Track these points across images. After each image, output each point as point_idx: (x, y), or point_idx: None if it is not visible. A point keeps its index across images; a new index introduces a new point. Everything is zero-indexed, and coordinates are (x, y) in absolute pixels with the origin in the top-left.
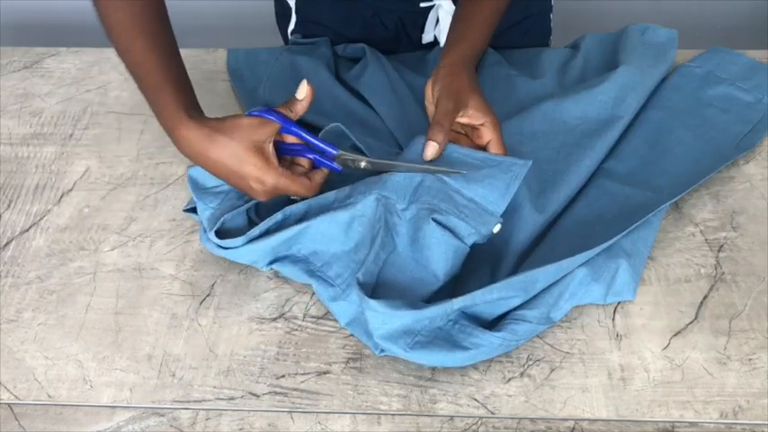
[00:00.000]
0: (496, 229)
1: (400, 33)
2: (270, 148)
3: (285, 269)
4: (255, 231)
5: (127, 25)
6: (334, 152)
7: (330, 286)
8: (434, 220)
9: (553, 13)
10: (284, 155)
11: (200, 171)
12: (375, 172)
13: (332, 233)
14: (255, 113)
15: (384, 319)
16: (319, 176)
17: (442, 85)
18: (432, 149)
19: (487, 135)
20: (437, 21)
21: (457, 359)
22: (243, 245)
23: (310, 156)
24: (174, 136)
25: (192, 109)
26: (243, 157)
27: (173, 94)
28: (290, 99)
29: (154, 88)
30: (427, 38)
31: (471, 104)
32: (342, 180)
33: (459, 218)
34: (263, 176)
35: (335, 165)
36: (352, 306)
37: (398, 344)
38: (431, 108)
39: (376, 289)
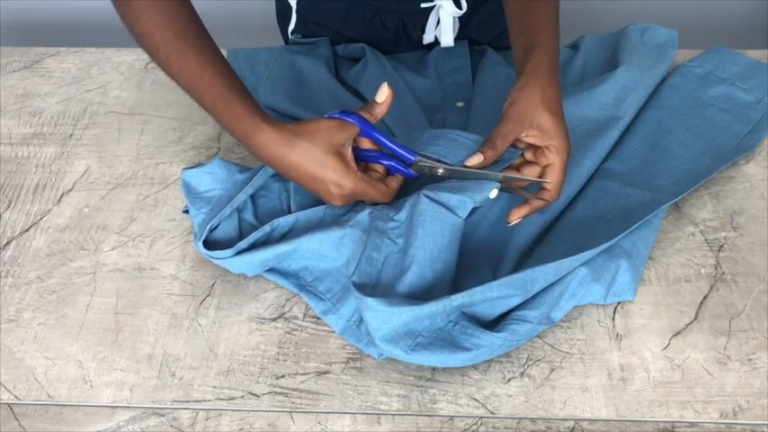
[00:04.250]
0: (493, 194)
1: (401, 34)
2: (349, 151)
3: (276, 279)
4: (243, 244)
5: (175, 43)
6: (413, 158)
7: (321, 300)
8: (426, 196)
9: None
10: (359, 161)
11: (194, 175)
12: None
13: (323, 250)
14: (335, 116)
15: (384, 317)
16: (395, 183)
17: (510, 100)
18: (474, 160)
19: (549, 158)
20: (438, 21)
21: (458, 360)
22: (231, 257)
23: (386, 162)
24: (253, 143)
25: (264, 114)
26: (323, 160)
27: (241, 102)
28: (370, 102)
29: (219, 100)
30: (428, 38)
31: (536, 124)
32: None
33: (451, 192)
34: (342, 180)
35: (412, 171)
36: (342, 320)
37: (399, 346)
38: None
39: (376, 291)
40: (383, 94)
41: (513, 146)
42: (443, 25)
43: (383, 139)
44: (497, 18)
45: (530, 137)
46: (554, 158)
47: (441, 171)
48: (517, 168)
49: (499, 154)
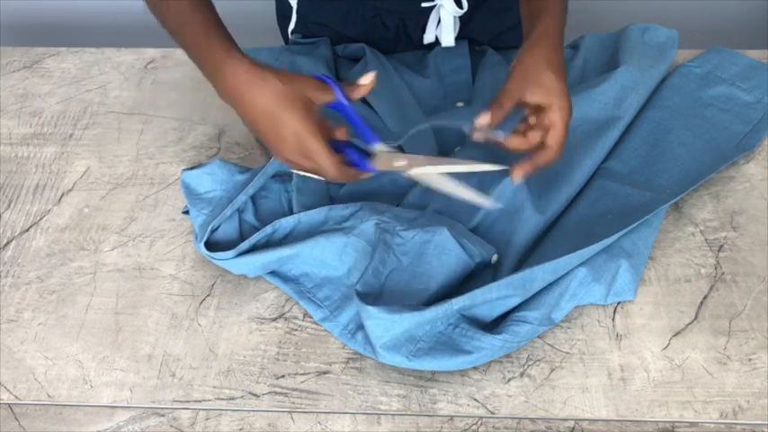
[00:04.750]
0: (494, 258)
1: (401, 34)
2: (317, 110)
3: (276, 283)
4: (245, 245)
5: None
6: (374, 140)
7: (319, 308)
8: (450, 232)
9: None
10: None
11: (193, 176)
12: (412, 181)
13: (325, 257)
14: (317, 76)
15: (386, 325)
16: (353, 171)
17: (516, 61)
18: (483, 119)
19: (551, 117)
20: (438, 21)
21: (459, 363)
22: (233, 257)
23: (352, 155)
24: (225, 72)
25: (242, 51)
26: (290, 104)
27: (222, 37)
28: (353, 82)
29: (202, 35)
30: (428, 38)
31: (539, 82)
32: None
33: (467, 239)
34: (301, 131)
35: (373, 166)
36: (338, 328)
37: (401, 352)
38: None
39: (378, 302)
40: (368, 78)
41: (519, 108)
42: (444, 25)
43: (352, 114)
44: (498, 17)
45: (534, 94)
46: (555, 118)
47: (402, 162)
48: (523, 134)
49: (506, 112)
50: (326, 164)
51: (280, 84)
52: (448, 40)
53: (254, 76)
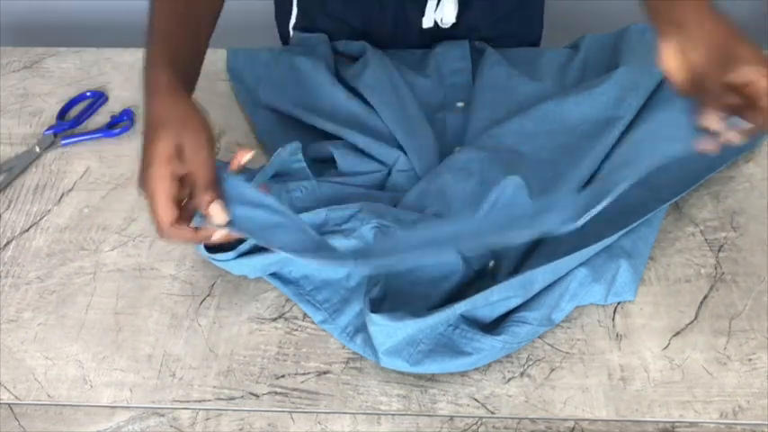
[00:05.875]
0: (491, 264)
1: (399, 17)
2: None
3: (277, 285)
4: (245, 246)
5: None
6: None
7: (318, 310)
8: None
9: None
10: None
11: None
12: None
13: None
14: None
15: (389, 332)
16: (188, 232)
17: (695, 37)
18: (711, 145)
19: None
20: (438, 2)
21: (460, 365)
22: (233, 259)
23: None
24: (149, 73)
25: (172, 66)
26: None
27: (167, 44)
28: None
29: (159, 34)
30: (427, 22)
31: (743, 58)
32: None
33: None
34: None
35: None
36: (336, 330)
37: (402, 356)
38: (679, 78)
39: (381, 309)
40: (246, 156)
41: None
42: (445, 8)
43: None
44: (497, 1)
45: (737, 76)
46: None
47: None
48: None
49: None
50: (157, 207)
51: (187, 106)
52: (449, 18)
53: (168, 84)
